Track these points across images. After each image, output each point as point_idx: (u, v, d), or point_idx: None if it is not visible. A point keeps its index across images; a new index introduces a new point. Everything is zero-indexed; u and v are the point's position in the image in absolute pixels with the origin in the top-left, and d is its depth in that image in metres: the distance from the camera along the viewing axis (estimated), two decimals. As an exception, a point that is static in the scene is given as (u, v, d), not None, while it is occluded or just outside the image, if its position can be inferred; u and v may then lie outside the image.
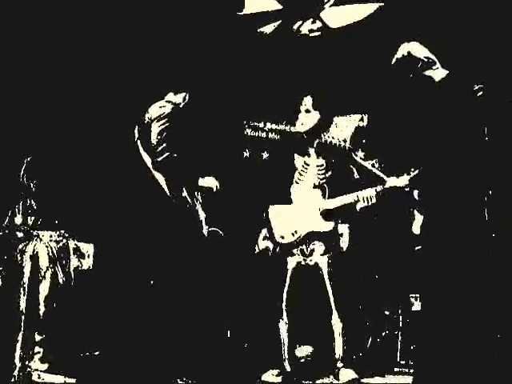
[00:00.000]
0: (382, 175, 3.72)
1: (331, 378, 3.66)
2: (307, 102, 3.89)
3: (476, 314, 3.01)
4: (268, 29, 5.01)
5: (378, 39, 4.75)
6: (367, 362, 3.95)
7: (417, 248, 3.82)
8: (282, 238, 3.79)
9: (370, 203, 3.71)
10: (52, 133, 4.32)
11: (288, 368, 3.66)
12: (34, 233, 3.76)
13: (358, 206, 3.74)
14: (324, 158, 3.88)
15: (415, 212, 3.97)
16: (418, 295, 4.17)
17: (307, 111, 3.87)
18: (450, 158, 3.33)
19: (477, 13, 4.09)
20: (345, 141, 4.96)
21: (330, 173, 3.85)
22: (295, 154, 3.87)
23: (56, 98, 4.42)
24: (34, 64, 4.40)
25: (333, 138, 4.72)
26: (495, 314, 3.04)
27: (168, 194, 4.06)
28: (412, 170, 3.54)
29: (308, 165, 3.85)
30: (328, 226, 3.78)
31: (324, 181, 3.83)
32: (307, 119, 3.88)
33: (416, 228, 3.78)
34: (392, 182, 3.69)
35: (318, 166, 3.85)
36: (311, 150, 3.88)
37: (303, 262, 3.76)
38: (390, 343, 4.17)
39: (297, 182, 3.84)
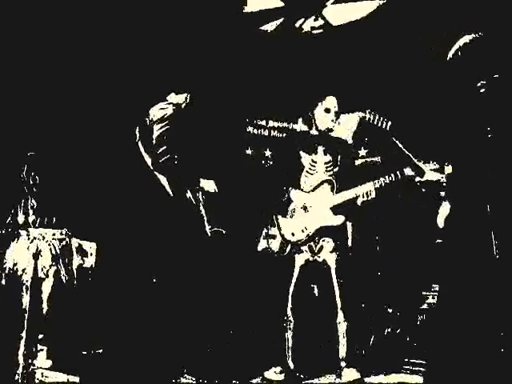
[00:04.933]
0: (421, 166, 3.68)
1: (334, 377, 3.65)
2: (331, 101, 3.88)
3: (483, 312, 3.00)
4: (270, 27, 5.01)
5: (381, 36, 4.75)
6: (370, 360, 3.95)
7: (437, 241, 3.84)
8: (293, 235, 3.78)
9: (369, 198, 3.74)
10: (54, 132, 4.32)
11: (291, 365, 3.66)
12: (37, 231, 3.75)
13: (359, 201, 3.76)
14: (331, 154, 3.88)
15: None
16: (424, 293, 4.17)
17: (327, 110, 3.87)
18: (453, 155, 3.33)
19: (478, 9, 4.08)
20: (348, 138, 4.96)
21: (336, 168, 3.87)
22: (302, 152, 3.87)
23: (58, 98, 4.42)
24: (35, 65, 4.39)
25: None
26: (503, 314, 3.03)
27: (171, 193, 4.06)
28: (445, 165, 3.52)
29: (315, 162, 3.86)
30: (338, 219, 3.79)
31: (332, 176, 3.84)
32: (325, 118, 3.88)
33: (441, 220, 3.75)
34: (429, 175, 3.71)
35: (325, 162, 3.86)
36: (319, 148, 3.89)
37: (311, 259, 3.76)
38: (393, 342, 4.17)
39: (304, 181, 3.85)
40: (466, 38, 3.26)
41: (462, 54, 3.29)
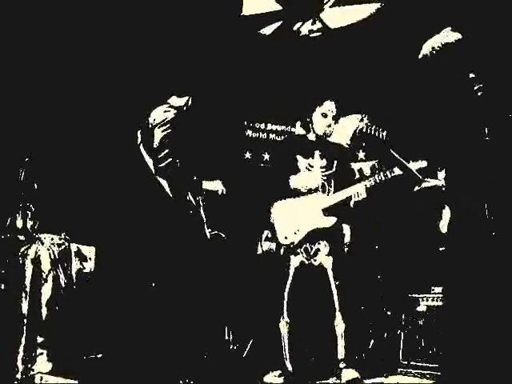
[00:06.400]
0: (418, 174, 3.67)
1: (333, 379, 3.65)
2: (328, 106, 3.88)
3: (484, 315, 2.99)
4: (268, 30, 5.02)
5: (378, 39, 4.76)
6: (369, 362, 3.96)
7: (441, 249, 3.83)
8: (286, 238, 3.78)
9: (360, 198, 3.73)
10: (54, 135, 4.33)
11: (290, 368, 3.65)
12: (36, 236, 3.75)
13: (352, 202, 3.77)
14: (327, 158, 3.88)
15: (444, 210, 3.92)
16: (422, 295, 4.17)
17: (324, 115, 3.87)
18: (451, 158, 3.32)
19: (475, 12, 4.08)
20: (346, 141, 4.97)
21: (331, 171, 3.87)
22: (298, 156, 3.87)
23: (58, 101, 4.42)
24: (36, 67, 4.40)
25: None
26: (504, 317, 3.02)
27: (171, 197, 4.06)
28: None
29: (312, 166, 3.86)
30: (329, 221, 3.78)
31: (325, 179, 3.84)
32: (323, 123, 3.88)
33: (443, 226, 3.75)
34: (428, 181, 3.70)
35: (321, 167, 3.86)
36: (316, 152, 3.89)
37: (307, 262, 3.76)
38: (392, 344, 4.17)
39: (300, 184, 3.84)
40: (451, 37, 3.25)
41: (462, 57, 3.29)
